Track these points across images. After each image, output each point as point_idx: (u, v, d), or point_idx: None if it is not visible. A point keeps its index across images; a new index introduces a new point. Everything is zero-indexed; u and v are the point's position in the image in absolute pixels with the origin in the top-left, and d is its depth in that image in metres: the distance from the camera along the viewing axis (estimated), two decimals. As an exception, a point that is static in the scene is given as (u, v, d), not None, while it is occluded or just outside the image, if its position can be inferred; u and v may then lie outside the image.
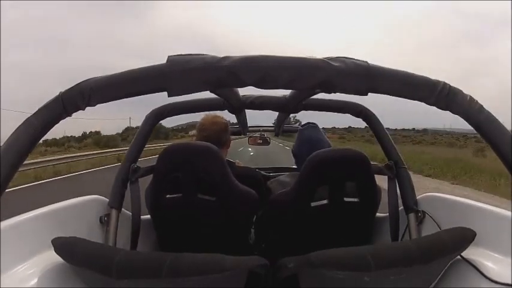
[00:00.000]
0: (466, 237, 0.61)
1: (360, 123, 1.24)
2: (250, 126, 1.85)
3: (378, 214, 1.13)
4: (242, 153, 11.35)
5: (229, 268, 0.54)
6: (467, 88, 0.57)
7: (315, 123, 1.30)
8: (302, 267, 0.59)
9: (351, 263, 0.56)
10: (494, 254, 0.64)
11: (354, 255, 0.57)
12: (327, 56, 0.56)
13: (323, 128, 1.31)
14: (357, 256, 0.57)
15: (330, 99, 1.18)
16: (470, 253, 0.64)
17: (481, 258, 0.62)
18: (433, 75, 0.57)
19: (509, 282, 0.55)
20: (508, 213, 0.70)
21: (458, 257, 0.64)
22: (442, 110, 0.58)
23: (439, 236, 0.63)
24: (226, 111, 1.16)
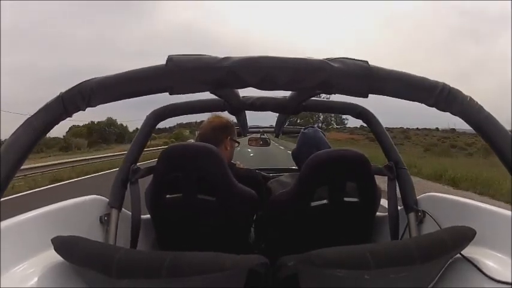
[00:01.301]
0: (466, 235, 0.61)
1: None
2: (250, 127, 1.86)
3: (377, 214, 1.13)
4: (241, 154, 11.31)
5: (229, 267, 0.54)
6: (467, 87, 0.57)
7: (315, 127, 1.32)
8: (302, 265, 0.59)
9: (350, 261, 0.56)
10: (494, 253, 0.64)
11: (354, 254, 0.57)
12: (328, 56, 0.56)
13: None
14: (356, 254, 0.57)
15: (330, 100, 1.18)
16: (470, 252, 0.64)
17: (481, 257, 0.63)
18: (432, 74, 0.58)
19: (509, 280, 0.55)
20: (508, 212, 0.71)
21: (458, 255, 0.64)
22: (442, 111, 0.58)
23: (439, 235, 0.63)
24: (226, 112, 1.17)
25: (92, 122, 43.64)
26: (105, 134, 42.65)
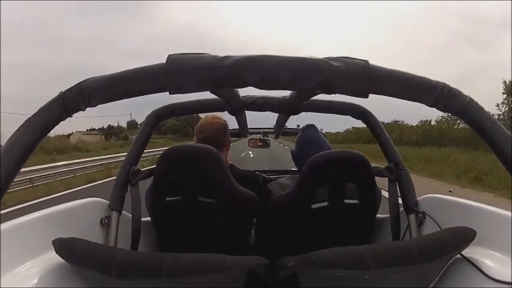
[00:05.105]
0: (466, 236, 0.61)
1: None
2: (250, 128, 1.85)
3: (378, 215, 1.13)
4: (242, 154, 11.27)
5: (229, 268, 0.53)
6: (467, 90, 0.57)
7: (313, 125, 1.30)
8: (302, 266, 0.59)
9: (350, 261, 0.56)
10: (494, 253, 0.64)
11: (354, 254, 0.57)
12: (327, 56, 0.56)
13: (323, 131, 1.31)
14: (356, 255, 0.57)
15: (330, 100, 1.18)
16: (470, 252, 0.64)
17: (481, 257, 0.62)
18: (433, 77, 0.58)
19: (510, 280, 0.54)
20: (508, 213, 0.70)
21: (459, 255, 0.64)
22: (442, 111, 0.59)
23: (439, 235, 0.63)
24: (226, 113, 1.17)
25: None
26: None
